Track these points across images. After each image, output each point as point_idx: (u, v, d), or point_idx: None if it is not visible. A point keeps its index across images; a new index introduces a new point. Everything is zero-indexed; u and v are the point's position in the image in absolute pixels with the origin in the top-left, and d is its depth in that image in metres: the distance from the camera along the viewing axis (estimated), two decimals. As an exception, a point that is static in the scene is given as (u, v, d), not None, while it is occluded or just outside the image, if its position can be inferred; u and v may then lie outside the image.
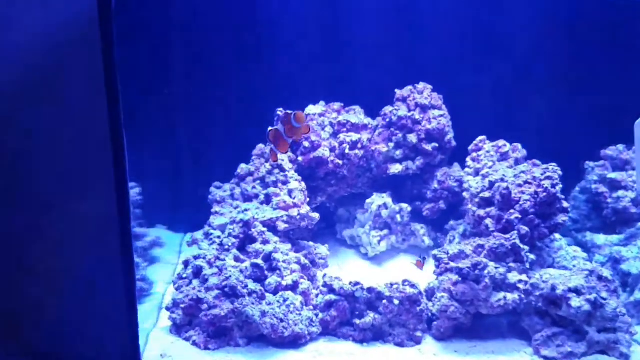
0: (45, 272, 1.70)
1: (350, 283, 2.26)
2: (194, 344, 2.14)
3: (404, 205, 2.85)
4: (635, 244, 2.35)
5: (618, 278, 2.29)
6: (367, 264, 2.94)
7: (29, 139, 1.59)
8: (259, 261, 2.34)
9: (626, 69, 2.84)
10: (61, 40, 1.55)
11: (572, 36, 2.89)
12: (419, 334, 2.21)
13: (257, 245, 2.48)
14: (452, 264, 2.20)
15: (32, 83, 1.56)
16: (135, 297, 1.87)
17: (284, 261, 2.42)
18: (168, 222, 3.30)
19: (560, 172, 2.29)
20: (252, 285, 2.23)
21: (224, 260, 2.38)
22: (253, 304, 2.16)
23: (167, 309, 2.26)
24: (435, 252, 2.35)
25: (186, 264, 2.46)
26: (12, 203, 1.62)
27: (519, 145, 2.71)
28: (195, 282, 2.34)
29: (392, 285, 2.25)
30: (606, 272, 2.07)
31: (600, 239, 2.52)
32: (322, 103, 2.98)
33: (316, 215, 2.70)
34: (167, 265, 2.87)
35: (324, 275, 2.32)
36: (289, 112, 1.96)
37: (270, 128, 2.02)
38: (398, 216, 2.85)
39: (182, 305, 2.20)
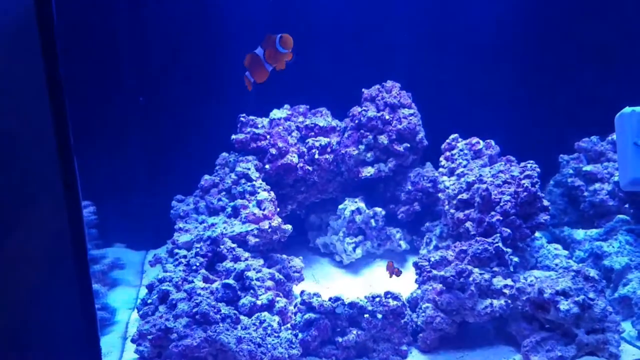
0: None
1: (330, 299, 2.13)
2: (165, 378, 1.98)
3: (378, 210, 2.75)
4: (616, 237, 2.31)
5: (601, 274, 2.24)
6: (342, 272, 2.83)
7: None
8: (231, 281, 2.19)
9: (595, 62, 2.82)
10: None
11: (540, 29, 2.83)
12: (404, 347, 2.11)
13: (228, 264, 2.32)
14: (435, 272, 2.11)
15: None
16: (97, 332, 1.69)
17: (257, 279, 2.28)
18: (127, 239, 3.09)
19: (538, 170, 2.22)
20: (224, 309, 2.07)
21: (192, 282, 2.22)
22: (227, 330, 2.01)
23: (133, 340, 2.08)
24: (416, 259, 2.25)
25: (150, 287, 2.29)
26: None
27: (492, 142, 2.64)
28: (162, 309, 2.16)
29: (374, 298, 2.13)
30: (592, 272, 2.01)
31: (580, 233, 2.48)
32: (287, 107, 2.83)
33: (288, 227, 2.55)
34: (129, 288, 2.67)
35: (302, 292, 2.18)
36: (273, 35, 1.71)
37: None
38: (372, 221, 2.74)
39: (150, 337, 2.03)
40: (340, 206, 2.77)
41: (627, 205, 2.43)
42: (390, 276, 2.20)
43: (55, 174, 1.45)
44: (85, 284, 1.61)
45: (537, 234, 2.37)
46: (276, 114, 2.77)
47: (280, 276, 2.39)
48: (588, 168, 2.55)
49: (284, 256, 2.61)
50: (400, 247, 2.78)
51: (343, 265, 2.84)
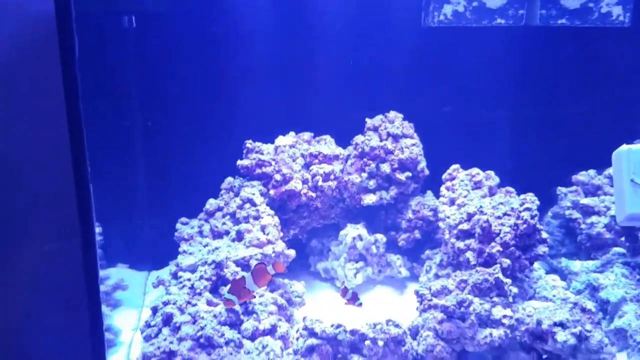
0: None
1: (332, 325, 2.17)
2: (168, 402, 2.00)
3: (379, 236, 2.79)
4: (612, 270, 2.36)
5: (597, 305, 2.29)
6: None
7: None
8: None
9: (594, 95, 2.90)
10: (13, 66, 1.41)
11: (540, 63, 2.92)
12: (404, 375, 2.14)
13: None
14: (436, 301, 2.15)
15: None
16: (104, 353, 1.72)
17: (260, 303, 2.31)
18: (129, 260, 3.12)
19: (538, 202, 2.28)
20: (228, 333, 2.10)
21: (195, 305, 2.25)
22: (231, 354, 2.04)
23: (137, 364, 2.10)
24: (417, 288, 2.29)
25: (154, 310, 2.31)
26: None
27: (492, 173, 2.70)
28: (166, 331, 2.19)
29: (375, 325, 2.17)
30: (589, 304, 2.05)
31: (576, 265, 2.53)
32: (292, 134, 2.90)
33: (292, 252, 2.60)
34: (131, 309, 2.69)
35: (304, 318, 2.22)
36: (264, 265, 2.02)
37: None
38: (373, 247, 2.78)
39: (154, 359, 2.05)
40: (342, 232, 2.82)
41: (623, 239, 2.49)
42: (347, 303, 2.20)
43: (70, 194, 1.50)
44: (95, 306, 1.66)
45: (536, 265, 2.42)
46: (281, 140, 2.83)
47: (283, 301, 2.43)
48: (585, 201, 2.62)
49: (286, 281, 2.65)
50: (400, 273, 2.82)
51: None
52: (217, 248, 2.57)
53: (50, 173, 1.49)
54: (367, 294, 2.86)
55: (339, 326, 2.16)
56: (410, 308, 2.38)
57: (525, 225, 2.19)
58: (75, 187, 1.51)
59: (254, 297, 2.05)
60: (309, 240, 3.01)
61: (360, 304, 2.14)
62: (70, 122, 1.46)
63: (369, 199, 2.77)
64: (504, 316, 2.08)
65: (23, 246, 1.50)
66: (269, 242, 2.55)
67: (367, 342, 2.14)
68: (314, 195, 2.72)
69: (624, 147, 2.02)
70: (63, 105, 1.45)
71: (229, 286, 2.12)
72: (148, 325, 2.30)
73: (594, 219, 2.56)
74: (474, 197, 2.51)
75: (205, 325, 2.07)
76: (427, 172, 2.81)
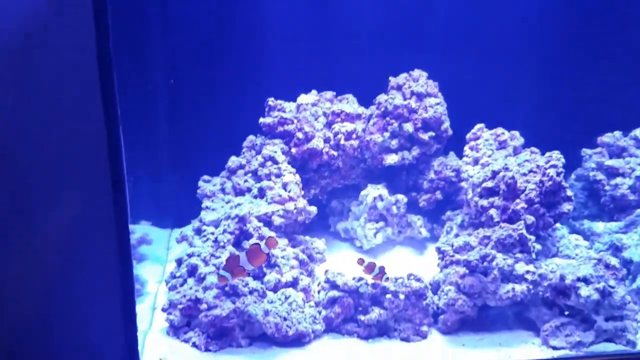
0: (36, 273, 1.57)
1: (354, 278, 2.20)
2: (194, 345, 2.05)
3: (400, 197, 2.79)
4: (636, 231, 2.34)
5: (620, 265, 2.28)
6: (362, 257, 2.87)
7: (20, 133, 1.45)
8: (257, 258, 2.25)
9: (622, 55, 2.84)
10: (51, 27, 1.42)
11: (569, 22, 2.86)
12: (425, 328, 2.16)
13: (254, 241, 2.38)
14: (458, 256, 2.16)
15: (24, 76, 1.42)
16: (134, 298, 1.77)
17: (282, 257, 2.34)
18: (152, 217, 3.16)
19: (563, 160, 2.27)
20: (252, 283, 2.13)
21: (219, 257, 2.28)
22: (255, 302, 2.07)
23: (164, 310, 2.15)
24: (439, 244, 2.30)
25: (179, 262, 2.36)
26: (2, 200, 1.49)
27: (517, 133, 2.68)
28: (191, 281, 2.23)
29: (396, 279, 2.19)
30: (614, 260, 2.05)
31: (599, 226, 2.52)
32: (314, 92, 2.89)
33: (313, 209, 2.61)
34: (156, 263, 2.74)
35: (326, 271, 2.24)
36: (258, 242, 2.04)
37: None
38: (394, 207, 2.79)
39: (180, 306, 2.10)
40: (363, 192, 2.82)
41: (647, 200, 2.47)
42: (373, 279, 2.17)
43: (102, 151, 1.53)
44: (125, 253, 1.70)
45: (558, 225, 2.42)
46: (304, 99, 2.82)
47: (304, 256, 2.46)
48: (610, 162, 2.59)
49: (307, 238, 2.68)
50: (420, 234, 2.83)
51: (363, 251, 2.88)
52: (239, 204, 2.59)
53: (82, 124, 1.51)
54: (387, 254, 2.88)
55: (360, 279, 2.19)
56: (430, 268, 2.39)
57: (550, 182, 2.17)
58: (107, 134, 1.54)
59: (248, 275, 2.07)
60: (329, 201, 3.02)
61: (387, 279, 2.14)
62: (102, 74, 1.48)
63: (391, 159, 2.76)
64: (527, 272, 2.09)
65: (57, 196, 1.54)
66: (291, 198, 2.57)
67: (389, 296, 2.16)
68: (335, 154, 2.72)
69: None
70: (94, 57, 1.47)
71: (227, 254, 2.14)
72: (173, 276, 2.34)
73: (618, 180, 2.53)
74: (499, 157, 2.49)
75: (230, 275, 2.10)
76: (450, 132, 2.79)
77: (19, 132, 1.45)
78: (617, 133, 2.67)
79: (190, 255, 2.32)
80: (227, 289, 2.08)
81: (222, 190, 2.78)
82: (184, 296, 2.12)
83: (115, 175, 1.61)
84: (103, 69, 1.49)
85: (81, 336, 1.67)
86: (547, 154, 2.32)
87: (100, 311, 1.69)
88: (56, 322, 1.63)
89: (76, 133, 1.50)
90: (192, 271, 2.26)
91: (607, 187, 2.57)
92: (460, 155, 2.83)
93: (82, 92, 1.49)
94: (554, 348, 2.03)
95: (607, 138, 2.67)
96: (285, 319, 2.07)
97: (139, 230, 2.89)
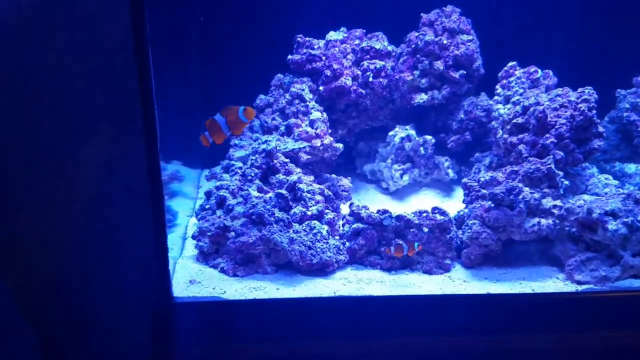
0: (72, 203, 1.65)
1: (378, 211, 2.22)
2: (222, 270, 2.12)
3: (428, 137, 2.77)
4: (670, 170, 2.28)
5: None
6: (388, 198, 2.89)
7: (57, 77, 1.50)
8: (283, 191, 2.29)
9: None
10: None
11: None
12: (448, 261, 2.18)
13: (280, 176, 2.42)
14: (484, 191, 2.15)
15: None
16: (164, 224, 1.84)
17: (308, 191, 2.37)
18: (183, 157, 3.23)
19: (596, 96, 2.20)
20: (278, 213, 2.18)
21: (247, 190, 2.33)
22: (280, 231, 2.12)
23: (194, 237, 2.23)
24: (465, 180, 2.29)
25: (208, 194, 2.42)
26: (41, 137, 1.56)
27: (550, 72, 2.60)
28: (219, 212, 2.30)
29: (421, 213, 2.21)
30: (644, 196, 2.01)
31: (631, 167, 2.46)
32: (343, 29, 2.85)
33: (340, 145, 2.63)
34: (187, 199, 2.82)
35: (351, 204, 2.27)
36: (235, 107, 2.01)
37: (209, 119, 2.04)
38: (422, 149, 2.77)
39: (209, 233, 2.17)
40: (390, 133, 2.81)
41: (684, 141, 2.39)
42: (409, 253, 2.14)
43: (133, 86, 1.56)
44: (156, 180, 1.76)
45: (588, 164, 2.37)
46: (332, 36, 2.80)
47: (330, 193, 2.48)
48: (646, 102, 2.51)
49: (334, 175, 2.70)
50: (448, 175, 2.82)
51: (389, 192, 2.90)
52: (267, 141, 2.63)
53: (112, 65, 1.55)
54: (413, 196, 2.88)
55: (384, 212, 2.21)
56: (457, 209, 2.38)
57: (582, 117, 2.12)
58: (138, 74, 1.58)
59: (226, 137, 2.08)
60: (357, 143, 3.03)
61: (420, 245, 2.15)
62: (134, 23, 1.51)
63: (420, 98, 2.73)
64: (554, 206, 2.07)
65: (88, 134, 1.60)
66: (317, 136, 2.58)
67: (412, 229, 2.18)
68: (363, 92, 2.71)
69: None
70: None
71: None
72: (202, 208, 2.41)
73: (654, 120, 2.46)
74: (531, 95, 2.43)
75: (257, 204, 2.15)
76: (482, 70, 2.73)
77: (49, 70, 1.49)
78: (656, 71, 2.57)
79: (218, 188, 2.37)
80: (253, 217, 2.13)
81: (250, 128, 2.81)
82: (213, 224, 2.18)
83: (145, 110, 1.66)
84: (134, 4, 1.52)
85: (116, 258, 1.76)
86: (580, 89, 2.26)
87: (134, 235, 1.76)
88: (92, 245, 1.72)
89: (105, 69, 1.54)
90: (221, 203, 2.32)
91: (640, 128, 2.50)
92: (492, 96, 2.78)
93: (113, 27, 1.52)
94: (579, 282, 2.02)
95: (644, 77, 2.58)
96: (310, 248, 2.11)
97: (170, 167, 2.97)
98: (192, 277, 2.07)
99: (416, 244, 2.13)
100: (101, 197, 1.68)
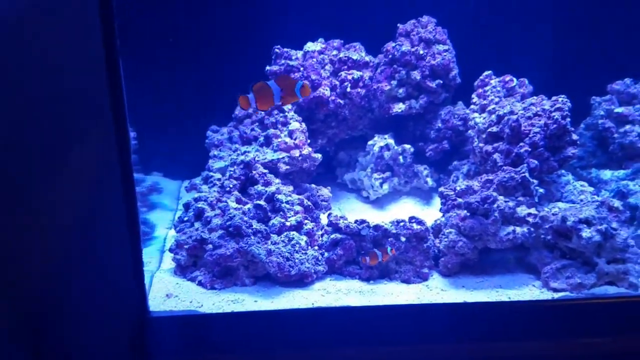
0: (44, 217, 1.63)
1: (356, 221, 2.23)
2: (200, 283, 2.11)
3: (407, 146, 2.79)
4: (643, 177, 2.32)
5: (625, 210, 2.27)
6: (368, 207, 2.90)
7: (21, 82, 1.48)
8: (262, 202, 2.29)
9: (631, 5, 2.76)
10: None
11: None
12: (425, 270, 2.19)
13: (259, 187, 2.42)
14: (460, 200, 2.17)
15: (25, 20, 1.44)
16: (140, 237, 1.82)
17: (287, 202, 2.37)
18: (164, 169, 3.22)
19: (569, 104, 2.23)
20: (256, 225, 2.18)
21: (225, 202, 2.33)
22: (258, 243, 2.12)
23: (171, 250, 2.22)
24: (441, 189, 2.30)
25: (187, 206, 2.41)
26: (6, 148, 1.54)
27: (526, 81, 2.64)
28: (198, 224, 2.29)
29: (398, 222, 2.22)
30: (617, 203, 2.04)
31: (607, 174, 2.49)
32: (321, 40, 2.87)
33: (318, 156, 2.63)
34: (166, 211, 2.81)
35: (329, 215, 2.28)
36: (293, 79, 1.83)
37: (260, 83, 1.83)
38: (400, 157, 2.79)
39: (186, 246, 2.16)
40: (370, 142, 2.83)
41: (657, 148, 2.43)
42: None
43: (104, 100, 1.55)
44: (130, 194, 1.74)
45: (563, 172, 2.40)
46: (310, 46, 2.81)
47: (309, 203, 2.48)
48: (619, 110, 2.54)
49: (313, 185, 2.71)
50: (427, 184, 2.84)
51: (369, 201, 2.91)
52: (246, 152, 2.63)
53: (84, 74, 1.54)
54: (393, 204, 2.90)
55: (362, 222, 2.22)
56: (436, 216, 2.40)
57: (555, 125, 2.15)
58: (109, 89, 1.57)
59: (272, 105, 1.92)
60: (337, 152, 3.04)
61: (392, 249, 2.16)
62: (104, 27, 1.50)
63: (398, 108, 2.75)
64: (529, 214, 2.09)
65: (63, 146, 1.58)
66: (296, 146, 2.59)
67: (390, 238, 2.19)
68: (341, 102, 2.72)
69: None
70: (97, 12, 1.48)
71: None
72: (181, 220, 2.40)
73: (627, 127, 2.49)
74: (506, 104, 2.46)
75: (234, 216, 2.15)
76: (458, 80, 2.76)
77: (20, 86, 1.47)
78: (628, 80, 2.61)
79: (197, 200, 2.37)
80: (231, 229, 2.13)
81: (230, 139, 2.81)
82: (190, 237, 2.18)
83: (118, 123, 1.64)
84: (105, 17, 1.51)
85: (89, 273, 1.74)
86: (554, 98, 2.29)
87: (108, 250, 1.75)
88: (64, 260, 1.69)
89: (77, 84, 1.53)
90: (199, 215, 2.31)
91: (615, 135, 2.53)
92: (469, 105, 2.80)
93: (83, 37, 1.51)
94: (555, 290, 2.04)
95: (617, 85, 2.62)
96: (288, 259, 2.11)
97: (149, 179, 2.96)
98: (169, 291, 2.05)
99: (389, 248, 2.14)
100: (76, 214, 1.67)
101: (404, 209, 2.84)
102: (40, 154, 1.55)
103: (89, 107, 1.58)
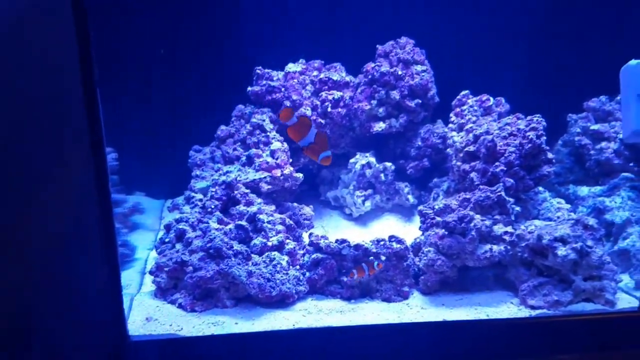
0: (20, 241, 1.62)
1: (337, 241, 2.24)
2: (180, 306, 2.11)
3: (388, 164, 2.82)
4: (619, 194, 2.36)
5: (602, 228, 2.30)
6: (351, 224, 2.93)
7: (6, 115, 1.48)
8: (244, 222, 2.30)
9: (609, 24, 2.82)
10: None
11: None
12: (406, 288, 2.21)
13: (241, 207, 2.43)
14: (438, 219, 2.19)
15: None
16: (117, 261, 1.82)
17: (268, 222, 2.39)
18: (146, 188, 3.22)
19: (544, 123, 2.28)
20: (237, 246, 2.18)
21: (207, 222, 2.33)
22: (239, 264, 2.13)
23: (151, 272, 2.21)
24: (420, 207, 2.33)
25: (168, 227, 2.41)
26: None
27: (502, 100, 2.68)
28: (179, 246, 2.29)
29: (378, 241, 2.24)
30: (591, 221, 2.07)
31: (584, 190, 2.53)
32: (302, 61, 2.90)
33: (300, 175, 2.65)
34: (148, 231, 2.81)
35: (310, 234, 2.29)
36: (327, 151, 2.10)
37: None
38: (382, 175, 2.82)
39: (166, 269, 2.16)
40: (352, 160, 2.86)
41: (632, 164, 2.47)
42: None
43: (81, 122, 1.55)
44: (108, 217, 1.74)
45: (541, 189, 2.44)
46: (291, 67, 2.84)
47: (291, 222, 2.50)
48: (595, 127, 2.59)
49: (295, 204, 2.72)
50: (408, 201, 2.86)
51: (352, 218, 2.93)
52: (228, 172, 2.64)
53: (60, 96, 1.54)
54: (375, 221, 2.92)
55: (343, 242, 2.23)
56: (418, 233, 2.42)
57: (530, 145, 2.19)
58: (86, 110, 1.57)
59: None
60: (320, 170, 3.06)
61: (379, 264, 2.18)
62: (81, 49, 1.51)
63: (378, 127, 2.79)
64: (505, 232, 2.12)
65: (38, 169, 1.58)
66: (278, 165, 2.61)
67: (371, 257, 2.21)
68: (323, 121, 2.75)
69: (633, 61, 1.98)
70: (73, 30, 1.49)
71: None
72: (162, 241, 2.40)
73: (603, 144, 2.54)
74: (483, 122, 2.50)
75: (215, 237, 2.15)
76: (437, 99, 2.80)
77: None
78: (603, 97, 2.67)
79: (178, 221, 2.37)
80: (211, 251, 2.13)
81: (212, 159, 2.82)
82: (171, 259, 2.18)
83: (95, 145, 1.63)
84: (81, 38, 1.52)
85: (67, 297, 1.73)
86: (529, 117, 2.33)
87: (85, 274, 1.74)
88: (41, 285, 1.69)
89: (53, 103, 1.53)
90: (180, 236, 2.31)
91: (592, 152, 2.58)
92: (447, 123, 2.85)
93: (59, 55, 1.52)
94: (532, 307, 2.06)
95: (593, 103, 2.67)
96: (269, 280, 2.12)
97: (131, 199, 2.95)
98: (149, 314, 2.05)
99: (376, 262, 2.15)
100: (53, 238, 1.66)
101: (387, 225, 2.87)
102: (16, 176, 1.55)
103: (65, 129, 1.58)
